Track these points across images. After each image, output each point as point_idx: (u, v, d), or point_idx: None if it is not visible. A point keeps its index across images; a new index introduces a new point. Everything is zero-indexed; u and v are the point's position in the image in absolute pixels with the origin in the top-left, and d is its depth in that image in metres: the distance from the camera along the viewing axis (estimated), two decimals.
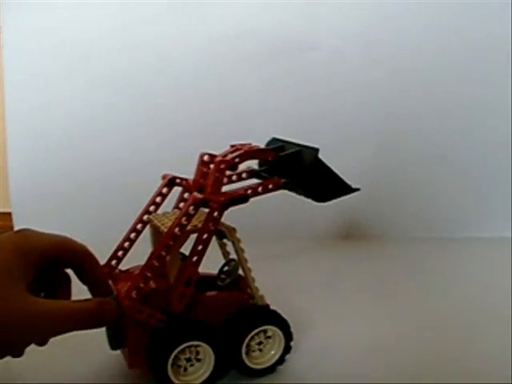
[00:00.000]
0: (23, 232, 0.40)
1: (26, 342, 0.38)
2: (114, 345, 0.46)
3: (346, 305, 0.63)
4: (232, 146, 0.49)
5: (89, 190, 0.87)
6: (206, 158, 0.50)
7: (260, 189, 0.45)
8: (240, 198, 0.44)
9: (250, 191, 0.45)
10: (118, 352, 0.47)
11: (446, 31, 0.85)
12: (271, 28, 0.84)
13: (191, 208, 0.43)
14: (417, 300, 0.64)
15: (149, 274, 0.43)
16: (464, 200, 0.89)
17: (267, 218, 0.81)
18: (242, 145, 0.49)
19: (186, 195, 0.51)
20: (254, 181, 0.48)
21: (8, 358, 0.37)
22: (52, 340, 0.40)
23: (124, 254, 0.50)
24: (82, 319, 0.39)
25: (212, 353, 0.46)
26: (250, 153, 0.47)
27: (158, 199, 0.51)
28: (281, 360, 0.49)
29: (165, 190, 0.51)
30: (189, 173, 0.51)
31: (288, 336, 0.49)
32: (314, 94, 0.86)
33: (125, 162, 0.87)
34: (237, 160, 0.46)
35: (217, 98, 0.86)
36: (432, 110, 0.87)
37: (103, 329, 0.45)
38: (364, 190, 0.79)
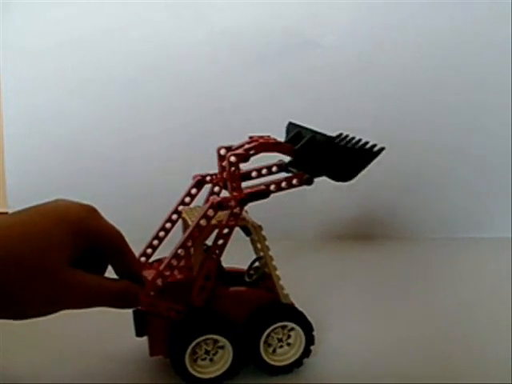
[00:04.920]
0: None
1: (55, 310, 0.40)
2: (139, 332, 0.46)
3: (350, 306, 0.63)
4: (250, 138, 0.48)
5: (86, 191, 0.84)
6: (222, 151, 0.50)
7: (284, 184, 0.45)
8: (258, 193, 0.44)
9: (272, 186, 0.45)
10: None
11: (450, 26, 0.84)
12: (271, 25, 0.83)
13: (210, 211, 0.44)
14: (417, 300, 0.64)
15: (174, 263, 0.44)
16: (464, 200, 0.88)
17: (267, 219, 0.79)
18: (260, 137, 0.48)
19: (216, 189, 0.51)
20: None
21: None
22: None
23: (157, 247, 0.52)
24: (108, 298, 0.41)
25: (230, 347, 0.46)
26: (264, 145, 0.46)
27: (187, 199, 0.52)
28: (298, 362, 0.48)
29: (193, 191, 0.52)
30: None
31: (309, 338, 0.48)
32: (315, 92, 0.85)
33: (124, 162, 0.86)
34: (251, 152, 0.45)
35: (216, 95, 0.85)
36: (433, 110, 0.86)
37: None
38: (364, 191, 0.81)
